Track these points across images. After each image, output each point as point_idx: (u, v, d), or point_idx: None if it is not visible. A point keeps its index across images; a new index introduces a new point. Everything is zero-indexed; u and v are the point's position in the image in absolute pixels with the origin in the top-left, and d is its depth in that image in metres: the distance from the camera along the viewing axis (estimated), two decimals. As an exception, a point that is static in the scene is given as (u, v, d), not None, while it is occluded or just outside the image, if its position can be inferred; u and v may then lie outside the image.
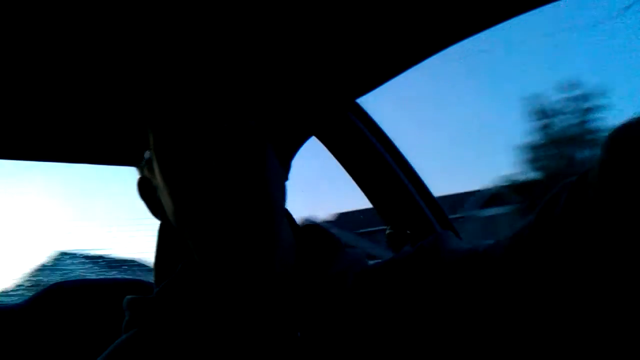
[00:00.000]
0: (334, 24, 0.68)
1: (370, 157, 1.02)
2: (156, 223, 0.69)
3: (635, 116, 0.33)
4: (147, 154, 0.55)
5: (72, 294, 1.05)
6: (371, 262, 0.62)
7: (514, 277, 0.45)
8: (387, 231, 1.05)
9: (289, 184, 0.61)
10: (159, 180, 0.54)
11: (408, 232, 1.02)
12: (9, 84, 0.75)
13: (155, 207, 0.59)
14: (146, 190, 0.59)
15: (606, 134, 0.35)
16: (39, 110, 0.84)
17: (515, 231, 0.46)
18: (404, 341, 0.51)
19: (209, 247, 0.53)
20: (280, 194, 0.56)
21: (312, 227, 0.65)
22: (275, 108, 0.93)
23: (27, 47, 0.65)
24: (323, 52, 0.76)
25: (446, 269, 0.51)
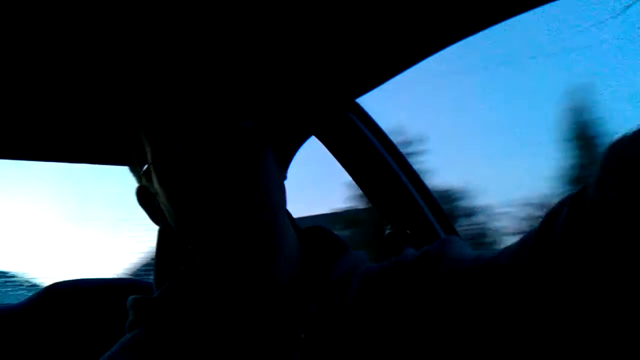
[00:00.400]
0: (334, 23, 0.68)
1: (370, 156, 1.02)
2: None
3: (628, 131, 0.33)
4: (145, 167, 0.56)
5: (71, 294, 1.05)
6: (375, 264, 0.61)
7: (517, 286, 0.44)
8: (387, 231, 1.05)
9: (289, 184, 0.61)
10: (158, 189, 0.54)
11: (408, 232, 1.02)
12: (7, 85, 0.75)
13: (155, 214, 0.60)
14: (145, 198, 0.60)
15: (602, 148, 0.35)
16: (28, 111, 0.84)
17: (519, 241, 0.46)
18: (406, 347, 0.51)
19: (211, 253, 0.54)
20: (279, 196, 0.56)
21: (316, 229, 0.65)
22: (275, 107, 0.93)
23: (26, 49, 0.65)
24: (322, 51, 0.76)
25: (449, 279, 0.51)
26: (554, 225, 0.40)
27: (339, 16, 0.66)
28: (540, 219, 0.42)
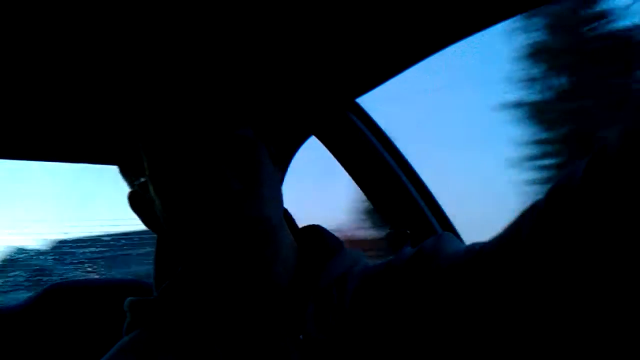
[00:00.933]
0: (333, 23, 0.68)
1: (370, 156, 1.02)
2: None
3: None
4: (142, 179, 0.56)
5: (71, 294, 1.05)
6: (371, 263, 0.61)
7: (517, 263, 0.43)
8: (387, 231, 1.05)
9: (289, 183, 0.61)
10: (155, 198, 0.54)
11: (408, 232, 1.01)
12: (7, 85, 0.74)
13: (149, 220, 0.60)
14: (139, 204, 0.59)
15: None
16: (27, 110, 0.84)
17: (512, 223, 0.45)
18: (404, 346, 0.51)
19: (209, 261, 0.55)
20: (277, 200, 0.56)
21: (312, 228, 0.65)
22: (275, 107, 0.93)
23: (28, 51, 0.65)
24: (322, 51, 0.76)
25: (443, 276, 0.50)
26: (574, 176, 0.38)
27: (339, 16, 0.66)
28: (547, 191, 0.41)
